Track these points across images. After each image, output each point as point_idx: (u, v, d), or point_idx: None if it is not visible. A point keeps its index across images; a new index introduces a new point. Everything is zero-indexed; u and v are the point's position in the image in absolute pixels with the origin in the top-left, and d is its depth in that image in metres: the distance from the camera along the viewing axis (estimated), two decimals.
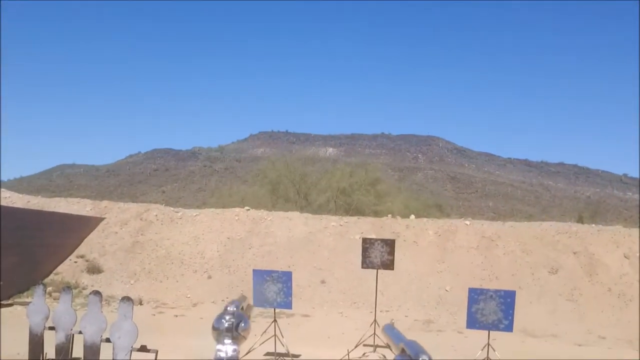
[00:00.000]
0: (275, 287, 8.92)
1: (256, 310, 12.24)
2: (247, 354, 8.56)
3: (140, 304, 13.56)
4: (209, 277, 15.42)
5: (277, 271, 9.30)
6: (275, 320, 9.03)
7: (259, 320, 11.52)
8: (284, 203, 26.15)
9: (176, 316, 12.69)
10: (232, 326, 1.04)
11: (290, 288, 8.90)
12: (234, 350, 0.99)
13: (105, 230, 17.47)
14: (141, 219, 18.07)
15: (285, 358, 8.75)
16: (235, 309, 1.09)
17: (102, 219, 17.95)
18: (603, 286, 14.51)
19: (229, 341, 1.02)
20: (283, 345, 8.80)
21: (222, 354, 0.98)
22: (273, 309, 9.16)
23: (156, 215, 18.26)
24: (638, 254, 15.45)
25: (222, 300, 14.02)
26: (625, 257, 15.49)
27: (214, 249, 16.57)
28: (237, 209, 19.10)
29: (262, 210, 19.48)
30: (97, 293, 6.80)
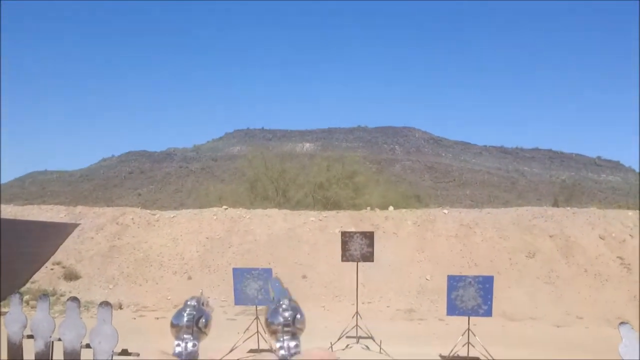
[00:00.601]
0: (256, 285, 8.90)
1: (238, 309, 12.20)
2: (230, 352, 8.53)
3: (120, 308, 13.41)
4: (189, 278, 15.30)
5: (257, 269, 9.29)
6: (257, 318, 9.01)
7: (242, 319, 11.49)
8: (262, 200, 26.04)
9: (157, 319, 12.56)
10: (192, 321, 1.01)
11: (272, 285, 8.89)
12: (194, 346, 0.97)
13: (80, 236, 17.20)
14: (117, 223, 17.83)
15: (269, 353, 8.74)
16: (195, 303, 1.07)
17: (77, 225, 17.66)
18: (579, 267, 14.79)
19: (189, 337, 1.00)
20: (266, 341, 8.78)
21: (181, 349, 0.95)
22: (255, 307, 9.14)
23: (132, 219, 18.05)
24: (614, 235, 15.79)
25: None
26: (600, 238, 15.81)
27: (193, 249, 16.44)
28: (215, 209, 18.98)
29: (240, 208, 19.39)
30: (74, 299, 6.69)
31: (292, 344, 0.90)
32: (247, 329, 9.11)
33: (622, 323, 7.56)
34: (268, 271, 9.12)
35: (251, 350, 8.86)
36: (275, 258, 15.75)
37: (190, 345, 0.92)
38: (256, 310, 9.19)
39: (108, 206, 22.86)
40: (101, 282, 15.22)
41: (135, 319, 12.54)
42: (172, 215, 18.43)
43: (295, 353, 0.86)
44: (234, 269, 9.37)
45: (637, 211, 17.66)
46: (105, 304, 6.53)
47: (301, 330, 1.03)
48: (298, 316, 1.07)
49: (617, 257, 15.01)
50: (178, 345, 0.92)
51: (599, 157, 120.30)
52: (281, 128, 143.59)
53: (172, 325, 1.05)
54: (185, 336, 0.98)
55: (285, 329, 0.99)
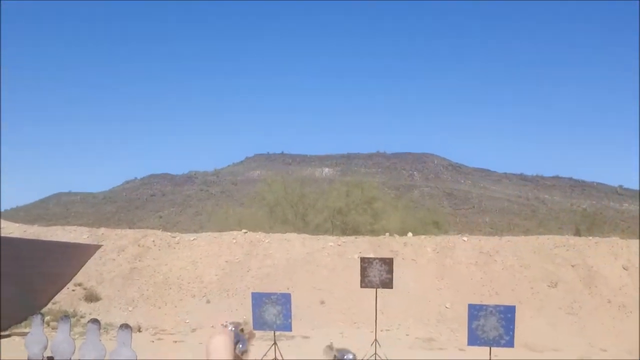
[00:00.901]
0: (275, 310, 8.91)
1: (256, 334, 12.17)
2: None
3: (139, 330, 13.46)
4: (208, 302, 15.34)
5: (275, 293, 9.30)
6: (275, 343, 9.00)
7: (259, 344, 11.44)
8: (281, 225, 26.09)
9: (175, 342, 12.59)
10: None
11: (289, 310, 8.89)
12: None
13: (102, 257, 17.41)
14: (139, 245, 18.02)
15: None
16: (233, 329, 1.10)
17: (99, 247, 17.90)
18: (603, 298, 14.51)
19: None
20: None
21: None
22: (273, 332, 9.13)
23: (153, 241, 18.23)
24: (638, 265, 15.48)
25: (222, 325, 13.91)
26: (623, 268, 15.52)
27: (212, 273, 16.51)
28: (234, 232, 19.08)
29: (259, 232, 19.47)
30: (95, 321, 6.79)
31: None
32: (265, 354, 9.09)
33: None
34: (287, 296, 9.13)
35: None
36: (293, 283, 15.72)
37: None
38: (274, 335, 9.17)
39: (130, 228, 23.14)
40: (121, 304, 15.33)
41: (153, 342, 12.58)
42: (192, 238, 18.57)
43: None
44: (253, 294, 9.40)
45: None
46: (125, 326, 6.62)
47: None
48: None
49: None
50: None
51: (620, 186, 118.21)
52: (301, 153, 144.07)
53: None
54: None
55: None
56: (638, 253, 16.02)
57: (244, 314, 13.57)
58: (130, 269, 16.78)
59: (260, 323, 8.96)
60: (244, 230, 19.42)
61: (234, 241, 18.07)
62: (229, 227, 22.53)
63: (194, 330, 13.86)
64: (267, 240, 18.09)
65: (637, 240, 17.67)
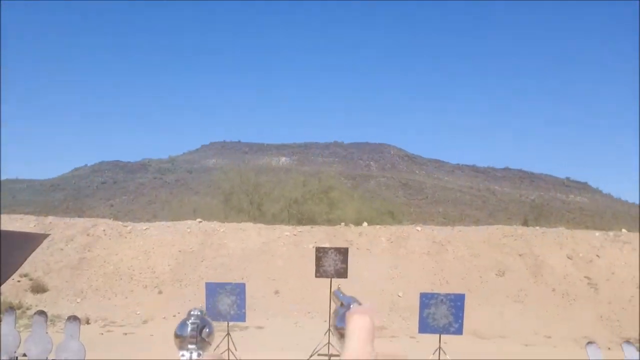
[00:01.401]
0: (229, 300, 8.84)
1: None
2: None
3: (88, 322, 13.13)
4: (160, 292, 15.10)
5: (230, 283, 9.23)
6: (228, 334, 8.95)
7: None
8: (237, 214, 25.91)
9: (125, 334, 12.36)
10: (196, 331, 1.03)
11: (244, 300, 8.84)
12: (199, 355, 0.99)
13: (50, 247, 16.86)
14: (88, 235, 17.54)
15: None
16: (199, 313, 1.09)
17: (46, 236, 17.31)
18: (548, 286, 15.06)
19: (193, 346, 1.01)
20: (237, 359, 8.71)
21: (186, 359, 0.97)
22: (227, 323, 9.07)
23: (104, 230, 17.77)
24: (582, 255, 16.14)
25: (174, 316, 13.76)
26: (568, 257, 16.14)
27: (165, 263, 16.25)
28: (189, 221, 18.82)
29: (214, 222, 19.26)
30: (42, 313, 6.58)
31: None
32: (217, 346, 9.02)
33: (589, 343, 7.75)
34: (241, 286, 9.07)
35: None
36: (248, 272, 15.66)
37: (195, 355, 0.95)
38: (227, 326, 9.11)
39: (79, 217, 22.47)
40: (69, 296, 14.91)
41: (103, 334, 12.30)
42: (144, 228, 18.20)
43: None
44: (207, 284, 9.29)
45: (604, 232, 18.09)
46: (73, 318, 6.44)
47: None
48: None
49: (585, 276, 15.33)
50: (183, 355, 0.95)
51: (567, 178, 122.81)
52: (257, 142, 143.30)
53: (176, 335, 1.07)
54: (189, 346, 1.01)
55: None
56: (582, 243, 16.70)
57: (198, 304, 13.42)
58: (79, 259, 16.32)
59: (214, 314, 8.87)
60: (198, 220, 19.17)
61: (188, 230, 17.82)
62: (184, 216, 22.20)
63: (145, 321, 13.62)
64: (222, 230, 17.93)
65: (582, 231, 18.42)
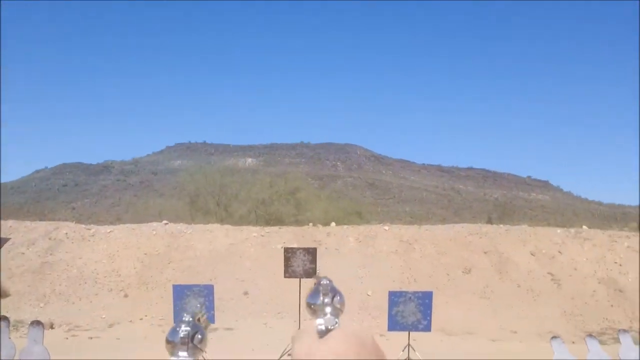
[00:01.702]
0: (197, 302, 8.72)
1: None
2: None
3: (52, 327, 12.77)
4: (126, 296, 14.81)
5: (198, 285, 9.11)
6: None
7: None
8: (203, 215, 25.65)
9: (91, 338, 12.07)
10: (188, 337, 1.01)
11: (212, 302, 8.74)
12: None
13: (11, 251, 16.32)
14: (50, 238, 17.07)
15: None
16: (190, 319, 1.06)
17: (7, 240, 16.75)
18: (512, 283, 15.38)
19: (184, 353, 0.99)
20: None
21: None
22: None
23: (66, 234, 17.33)
24: (545, 251, 16.54)
25: (141, 319, 13.53)
26: (531, 254, 16.52)
27: (130, 266, 15.94)
28: (154, 224, 18.52)
29: (181, 223, 19.01)
30: (4, 318, 6.36)
31: (333, 320, 0.93)
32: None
33: (553, 337, 7.94)
34: (209, 287, 8.96)
35: None
36: (216, 274, 15.50)
37: None
38: None
39: (40, 220, 21.84)
40: (32, 300, 14.48)
41: (67, 338, 11.99)
42: (108, 230, 17.83)
43: (334, 327, 0.89)
44: (174, 286, 9.15)
45: (565, 229, 18.61)
46: (37, 323, 6.25)
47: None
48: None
49: (548, 272, 15.72)
50: None
51: (529, 177, 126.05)
52: (223, 143, 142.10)
53: (167, 341, 1.03)
54: (180, 353, 0.97)
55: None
56: (544, 240, 17.12)
57: (165, 307, 13.23)
58: (41, 263, 15.87)
59: (181, 316, 8.75)
60: (164, 222, 18.89)
61: (154, 233, 17.54)
62: (149, 219, 21.83)
63: (110, 325, 13.34)
64: (188, 232, 17.70)
65: (544, 228, 18.90)
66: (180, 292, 8.80)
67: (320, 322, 0.88)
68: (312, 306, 0.98)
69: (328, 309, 0.91)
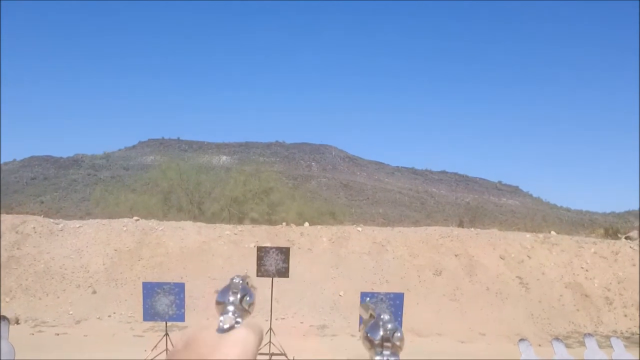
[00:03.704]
0: (167, 300, 8.64)
1: (147, 325, 11.75)
2: None
3: (17, 323, 12.50)
4: (94, 292, 14.56)
5: (168, 283, 9.03)
6: (167, 334, 8.74)
7: (150, 335, 11.09)
8: (176, 212, 25.38)
9: (57, 334, 11.85)
10: (237, 299, 0.99)
11: (183, 300, 8.67)
12: (237, 323, 0.94)
13: None
14: (17, 232, 16.67)
15: None
16: (241, 281, 1.04)
17: None
18: (482, 285, 15.61)
19: (233, 314, 0.97)
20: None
21: (224, 325, 0.92)
22: (165, 323, 8.86)
23: (34, 228, 16.94)
24: (514, 255, 16.83)
25: (109, 316, 13.32)
26: (500, 257, 16.79)
27: (99, 262, 15.68)
28: (125, 219, 18.25)
29: (152, 220, 18.77)
30: (3, 318, 6.19)
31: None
32: (156, 346, 8.80)
33: (521, 340, 8.07)
34: (180, 285, 8.89)
35: None
36: (187, 272, 15.36)
37: (233, 322, 0.90)
38: (166, 326, 8.90)
39: (7, 213, 21.30)
40: None
41: (33, 334, 11.75)
42: (77, 225, 17.49)
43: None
44: (144, 283, 9.05)
45: (534, 234, 18.97)
46: (2, 318, 6.09)
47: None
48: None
49: (516, 276, 16.00)
50: (221, 321, 0.90)
51: (500, 182, 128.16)
52: (197, 139, 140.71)
53: (218, 302, 1.02)
54: (230, 313, 0.96)
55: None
56: (513, 244, 17.42)
57: (134, 305, 13.07)
58: (7, 258, 15.49)
59: (151, 314, 8.65)
60: (135, 218, 18.62)
61: (125, 229, 17.28)
62: (119, 214, 21.50)
63: (78, 322, 13.11)
64: (160, 228, 17.49)
65: (514, 232, 19.22)
66: (150, 290, 8.71)
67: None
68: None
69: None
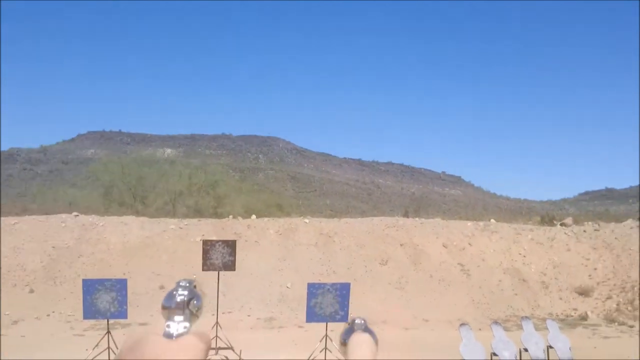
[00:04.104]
0: (108, 297, 8.39)
1: (87, 323, 11.40)
2: None
3: None
4: (31, 291, 13.98)
5: (110, 279, 8.77)
6: (108, 332, 8.49)
7: (91, 334, 10.77)
8: (118, 207, 24.65)
9: None
10: (184, 303, 0.95)
11: (125, 296, 8.44)
12: (185, 328, 0.91)
13: None
14: None
15: None
16: (187, 284, 1.01)
17: None
18: (426, 273, 16.00)
19: (180, 318, 0.93)
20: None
21: (172, 330, 0.89)
22: (107, 321, 8.61)
23: None
24: (456, 244, 17.32)
25: (48, 315, 12.84)
26: (443, 246, 17.24)
27: (36, 259, 15.05)
28: (63, 215, 17.58)
29: (93, 215, 18.17)
30: None
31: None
32: (97, 344, 8.54)
33: (462, 324, 8.35)
34: (122, 282, 8.65)
35: None
36: (130, 268, 14.98)
37: (181, 327, 0.87)
38: (108, 324, 8.65)
39: None
40: None
41: None
42: (13, 222, 16.70)
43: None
44: (84, 280, 8.74)
45: (475, 222, 19.58)
46: None
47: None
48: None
49: (458, 263, 16.48)
50: (168, 326, 0.86)
51: (443, 172, 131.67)
52: (141, 132, 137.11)
53: (163, 307, 0.98)
54: (176, 317, 0.92)
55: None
56: (456, 233, 17.93)
57: (74, 303, 12.65)
58: None
59: (92, 312, 8.39)
60: (75, 213, 17.98)
61: (63, 225, 16.65)
62: (58, 210, 20.69)
63: (15, 322, 12.55)
64: (101, 224, 16.96)
65: (456, 221, 19.78)
66: (91, 287, 8.43)
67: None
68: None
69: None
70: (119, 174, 26.94)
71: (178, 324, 0.91)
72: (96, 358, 8.32)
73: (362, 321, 1.12)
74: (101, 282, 8.60)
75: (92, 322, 10.98)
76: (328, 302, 8.71)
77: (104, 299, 8.34)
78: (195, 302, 1.08)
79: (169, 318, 1.01)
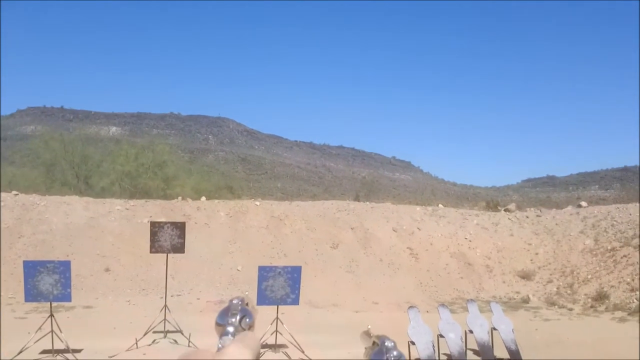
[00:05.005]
0: (51, 279, 8.07)
1: (29, 306, 10.97)
2: (19, 354, 7.65)
3: None
4: None
5: (52, 261, 8.44)
6: (52, 315, 8.19)
7: (34, 317, 10.36)
8: (60, 187, 23.73)
9: None
10: (237, 320, 0.94)
11: (68, 279, 8.15)
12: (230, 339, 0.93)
13: None
14: None
15: (65, 354, 8.01)
16: (240, 302, 0.99)
17: None
18: (376, 257, 16.22)
19: (231, 335, 0.93)
20: (62, 341, 8.04)
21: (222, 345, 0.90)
22: (49, 303, 8.30)
23: None
24: (405, 228, 17.62)
25: None
26: (393, 230, 17.51)
27: None
28: (2, 194, 16.77)
29: (33, 194, 17.43)
30: None
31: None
32: (40, 328, 8.22)
33: (410, 307, 8.51)
34: (65, 264, 8.34)
35: (44, 351, 8.04)
36: (74, 249, 14.48)
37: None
38: (50, 306, 8.34)
39: None
40: None
41: None
42: None
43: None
44: (25, 262, 8.37)
45: (424, 207, 19.97)
46: None
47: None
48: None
49: (407, 247, 16.79)
50: (222, 342, 0.89)
51: (394, 157, 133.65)
52: (84, 109, 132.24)
53: (217, 324, 1.00)
54: (229, 334, 0.95)
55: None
56: (405, 217, 18.24)
57: (14, 285, 12.17)
58: None
59: (33, 294, 8.05)
60: (14, 192, 17.19)
61: (2, 204, 15.89)
62: None
63: None
64: (42, 204, 16.28)
65: (405, 206, 20.11)
66: (32, 269, 8.09)
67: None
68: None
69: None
70: (61, 152, 25.90)
71: (230, 341, 0.92)
72: (39, 341, 8.02)
73: (393, 343, 1.13)
74: (43, 263, 8.26)
75: (34, 304, 10.59)
76: (279, 285, 8.69)
77: (46, 282, 8.02)
78: (247, 319, 1.09)
79: (222, 335, 1.02)
